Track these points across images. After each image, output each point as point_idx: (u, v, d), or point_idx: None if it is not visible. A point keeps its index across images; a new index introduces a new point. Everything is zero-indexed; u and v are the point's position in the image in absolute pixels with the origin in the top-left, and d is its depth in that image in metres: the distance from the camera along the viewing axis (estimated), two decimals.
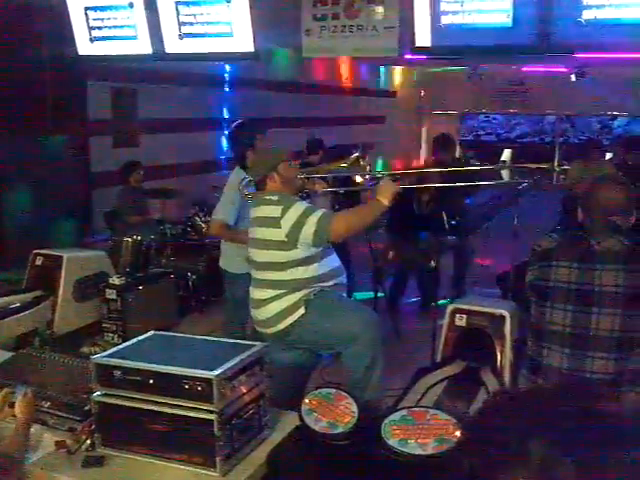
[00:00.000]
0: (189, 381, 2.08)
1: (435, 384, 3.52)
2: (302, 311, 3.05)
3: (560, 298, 2.22)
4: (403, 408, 2.26)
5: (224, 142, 8.56)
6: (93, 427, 2.25)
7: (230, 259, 4.16)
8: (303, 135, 7.37)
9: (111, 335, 4.62)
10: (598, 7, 4.19)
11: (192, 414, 2.10)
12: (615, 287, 2.16)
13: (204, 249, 5.77)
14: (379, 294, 5.32)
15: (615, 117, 14.36)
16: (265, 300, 3.12)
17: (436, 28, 4.70)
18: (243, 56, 5.18)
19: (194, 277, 5.67)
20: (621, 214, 2.27)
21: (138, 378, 2.18)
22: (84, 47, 5.67)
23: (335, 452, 2.19)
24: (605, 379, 2.16)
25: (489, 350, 3.57)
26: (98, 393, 2.25)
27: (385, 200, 3.03)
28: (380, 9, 4.82)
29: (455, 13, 4.67)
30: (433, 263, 4.99)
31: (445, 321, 3.69)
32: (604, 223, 2.24)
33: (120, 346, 2.42)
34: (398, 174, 4.04)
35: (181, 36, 5.31)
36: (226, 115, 8.76)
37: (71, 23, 5.54)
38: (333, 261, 3.18)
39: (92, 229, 6.59)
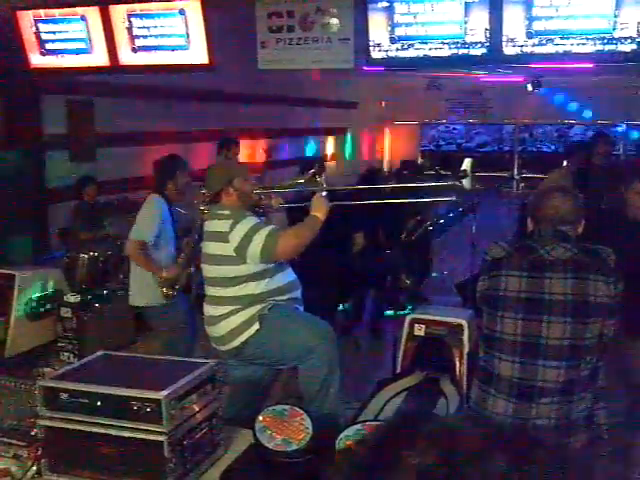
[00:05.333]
0: (137, 402, 2.03)
1: (395, 395, 3.51)
2: (256, 327, 3.01)
3: (511, 307, 2.22)
4: (358, 423, 2.24)
5: (185, 155, 8.48)
6: (39, 453, 2.18)
7: (140, 291, 4.11)
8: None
9: (67, 354, 4.51)
10: (547, 18, 4.28)
11: (141, 436, 2.04)
12: (564, 295, 2.17)
13: None
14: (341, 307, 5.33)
15: (572, 125, 14.66)
16: (219, 317, 3.07)
17: (391, 39, 4.75)
18: (198, 68, 5.15)
19: None
20: (569, 223, 2.30)
21: (86, 400, 2.11)
22: (35, 60, 5.58)
23: (290, 470, 2.15)
24: (556, 388, 2.17)
25: (448, 359, 3.58)
26: (44, 417, 2.18)
27: (321, 215, 3.07)
28: (334, 21, 4.84)
29: (409, 25, 4.72)
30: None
31: (404, 331, 3.69)
32: (553, 232, 2.26)
33: (67, 367, 2.35)
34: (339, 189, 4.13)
35: (135, 49, 5.25)
36: (186, 127, 8.68)
37: (21, 35, 5.45)
38: (287, 275, 3.16)
39: (48, 246, 6.44)
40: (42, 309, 4.64)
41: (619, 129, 13.59)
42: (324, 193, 3.18)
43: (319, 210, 3.08)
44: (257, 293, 3.02)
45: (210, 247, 3.09)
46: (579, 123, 14.42)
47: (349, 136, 13.68)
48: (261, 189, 3.30)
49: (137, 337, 4.98)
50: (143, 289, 4.06)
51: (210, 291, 3.14)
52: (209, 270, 3.12)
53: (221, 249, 3.01)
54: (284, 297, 3.09)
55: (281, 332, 3.02)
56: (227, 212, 3.06)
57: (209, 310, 3.14)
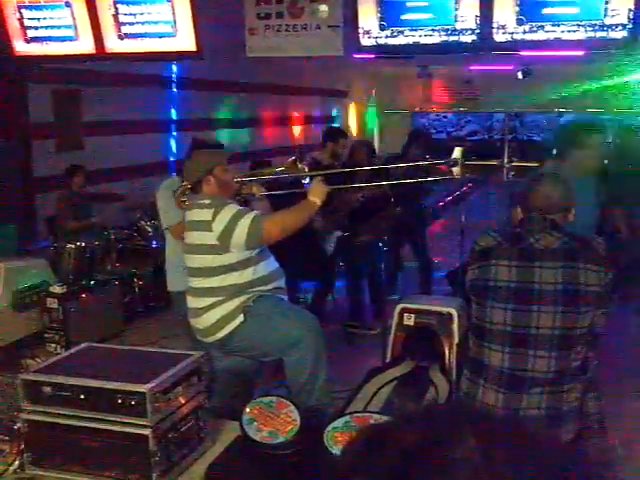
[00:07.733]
0: (121, 395, 1.99)
1: (385, 384, 3.49)
2: (241, 318, 2.96)
3: (500, 297, 2.20)
4: (346, 414, 2.21)
5: (172, 144, 8.42)
6: (22, 447, 2.14)
7: (173, 278, 4.01)
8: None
9: (53, 345, 4.46)
10: (538, 5, 4.24)
11: (126, 429, 2.01)
12: (554, 284, 2.15)
13: (150, 254, 5.64)
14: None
15: (561, 114, 14.63)
16: (202, 308, 3.02)
17: (381, 26, 4.70)
18: (186, 55, 5.09)
19: (140, 282, 5.53)
20: (559, 211, 2.27)
21: (69, 394, 2.07)
22: (20, 47, 5.49)
23: (277, 462, 2.12)
24: (546, 378, 2.16)
25: (437, 348, 3.56)
26: (27, 411, 2.14)
27: (317, 200, 3.03)
28: (324, 7, 4.78)
29: (399, 12, 4.66)
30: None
31: (393, 321, 3.67)
32: (542, 221, 2.23)
33: (51, 360, 2.31)
34: (330, 174, 3.94)
35: (121, 36, 5.18)
36: (174, 116, 8.61)
37: (5, 22, 5.35)
38: (271, 264, 3.11)
39: (35, 235, 6.37)
40: (28, 300, 4.58)
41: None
42: (320, 178, 3.14)
43: (317, 195, 3.04)
44: (241, 283, 2.97)
45: (193, 236, 3.04)
46: (568, 111, 14.39)
47: None
48: (241, 177, 3.25)
49: (127, 326, 4.95)
50: (181, 275, 4.07)
51: (193, 282, 3.09)
52: (192, 260, 3.07)
53: (204, 238, 2.96)
54: (268, 287, 3.05)
55: (266, 325, 2.97)
56: (208, 201, 3.00)
57: (192, 302, 3.09)
